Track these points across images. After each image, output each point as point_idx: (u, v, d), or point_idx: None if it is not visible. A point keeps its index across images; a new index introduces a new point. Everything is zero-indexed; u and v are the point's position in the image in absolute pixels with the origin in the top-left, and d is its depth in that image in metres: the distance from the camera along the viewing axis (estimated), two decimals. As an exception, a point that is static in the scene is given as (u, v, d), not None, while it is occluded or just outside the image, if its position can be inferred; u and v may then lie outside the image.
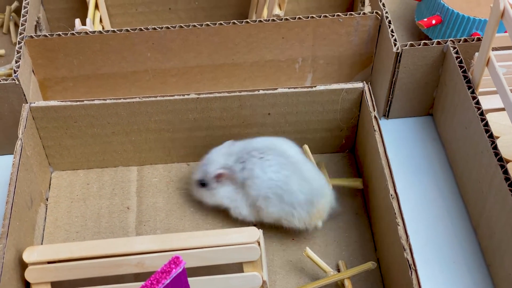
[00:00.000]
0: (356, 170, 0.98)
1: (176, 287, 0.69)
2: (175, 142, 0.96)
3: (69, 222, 0.92)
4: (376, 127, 0.87)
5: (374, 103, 0.89)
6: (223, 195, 0.89)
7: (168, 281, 0.66)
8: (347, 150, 1.00)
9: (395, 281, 0.80)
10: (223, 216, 0.93)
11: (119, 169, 0.98)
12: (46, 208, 0.93)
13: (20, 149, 0.84)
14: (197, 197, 0.92)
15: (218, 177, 0.88)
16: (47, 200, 0.94)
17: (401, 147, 1.02)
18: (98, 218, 0.93)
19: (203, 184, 0.90)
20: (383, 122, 1.05)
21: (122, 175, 0.98)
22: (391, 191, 0.80)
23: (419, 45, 0.95)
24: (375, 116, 0.88)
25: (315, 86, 0.91)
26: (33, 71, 0.99)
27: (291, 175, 0.86)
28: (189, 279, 0.76)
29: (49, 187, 0.96)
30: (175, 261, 0.67)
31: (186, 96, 0.90)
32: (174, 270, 0.67)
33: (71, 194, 0.95)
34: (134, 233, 0.91)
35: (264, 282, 0.82)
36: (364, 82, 0.92)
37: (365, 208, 0.94)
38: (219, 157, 0.89)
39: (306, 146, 0.95)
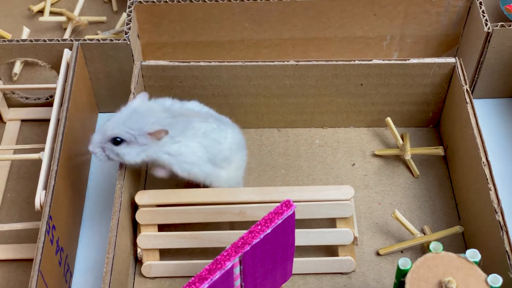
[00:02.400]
0: (440, 144, 1.02)
1: (285, 228, 0.74)
2: (269, 107, 1.01)
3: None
4: (468, 100, 0.91)
5: (466, 77, 0.93)
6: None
7: (280, 221, 0.72)
8: (431, 126, 1.04)
9: (481, 246, 0.84)
10: (314, 178, 0.98)
11: (214, 131, 1.04)
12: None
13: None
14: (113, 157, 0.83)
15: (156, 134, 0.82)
16: (148, 155, 1.01)
17: (483, 127, 1.05)
18: (195, 174, 0.99)
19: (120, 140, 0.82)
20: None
21: (217, 136, 1.03)
22: (483, 159, 0.84)
23: (510, 26, 0.98)
24: (467, 90, 0.92)
25: (408, 59, 0.95)
26: (138, 35, 1.06)
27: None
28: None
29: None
30: (287, 204, 0.73)
31: (285, 63, 0.96)
32: (285, 212, 0.73)
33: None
34: (230, 189, 0.96)
35: (355, 238, 0.87)
36: (457, 57, 0.95)
37: (449, 179, 0.98)
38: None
39: (388, 119, 1.00)
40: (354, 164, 1.00)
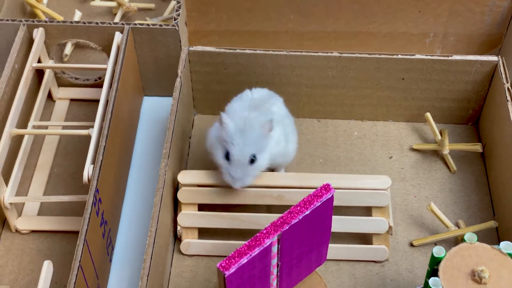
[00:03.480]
0: (479, 141, 1.03)
1: (323, 211, 0.76)
2: (310, 97, 1.03)
3: (207, 160, 1.01)
4: (509, 98, 0.92)
5: (507, 76, 0.94)
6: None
7: (318, 204, 0.74)
8: (471, 123, 1.05)
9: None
10: (351, 168, 1.00)
11: (255, 118, 1.06)
12: (189, 145, 1.03)
13: (179, 86, 0.94)
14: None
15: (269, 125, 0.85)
16: (190, 138, 1.04)
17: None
18: (235, 158, 1.01)
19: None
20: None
21: (257, 124, 1.06)
22: (521, 155, 0.85)
23: (554, 27, 0.99)
24: (508, 88, 0.93)
25: (451, 56, 0.97)
26: (185, 22, 1.09)
27: None
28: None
29: (192, 127, 1.05)
30: (326, 187, 0.75)
31: (329, 54, 0.98)
32: (324, 195, 0.75)
33: (211, 135, 1.04)
34: (268, 174, 0.99)
35: (390, 227, 0.88)
36: (499, 56, 0.96)
37: (486, 176, 0.99)
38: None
39: (428, 114, 1.01)
40: (391, 157, 1.01)
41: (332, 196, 0.75)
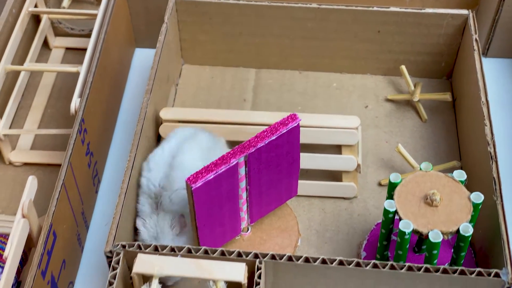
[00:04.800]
0: (452, 94, 1.07)
1: (290, 140, 0.82)
2: (292, 49, 1.09)
3: (194, 104, 1.07)
4: (476, 47, 0.96)
5: (476, 28, 0.99)
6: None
7: (284, 130, 0.80)
8: (445, 77, 1.10)
9: (475, 177, 0.90)
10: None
11: (240, 69, 1.12)
12: (176, 91, 1.09)
13: (165, 31, 1.00)
14: None
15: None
16: (177, 85, 1.10)
17: (498, 85, 1.10)
18: (218, 105, 1.07)
19: None
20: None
21: (242, 74, 1.11)
22: (483, 99, 0.90)
23: (525, -15, 1.03)
24: (476, 39, 0.98)
25: (423, 9, 1.02)
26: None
27: None
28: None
29: (179, 76, 1.11)
30: (292, 117, 0.81)
31: (307, 5, 1.03)
32: (290, 123, 0.80)
33: (197, 83, 1.10)
34: (248, 118, 1.04)
35: (358, 165, 0.94)
36: (470, 10, 1.01)
37: (455, 126, 1.04)
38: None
39: (403, 67, 1.06)
40: (367, 106, 1.07)
41: (298, 125, 0.81)
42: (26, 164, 0.99)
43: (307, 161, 0.94)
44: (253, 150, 0.78)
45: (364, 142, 1.02)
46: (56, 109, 1.06)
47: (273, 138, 0.79)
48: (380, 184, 0.97)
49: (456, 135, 1.03)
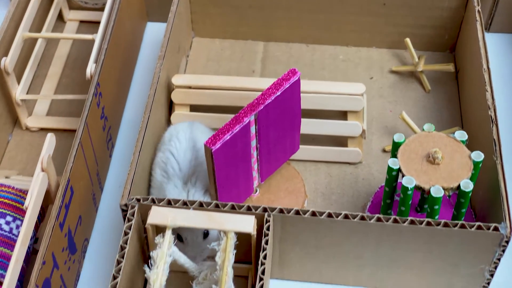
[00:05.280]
0: (455, 67, 1.11)
1: (292, 94, 0.85)
2: (300, 21, 1.12)
3: (204, 74, 1.10)
4: (478, 18, 0.99)
5: (479, 0, 1.02)
6: None
7: (287, 85, 0.83)
8: (448, 51, 1.13)
9: (477, 142, 0.93)
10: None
11: (249, 42, 1.15)
12: (187, 62, 1.12)
13: (177, 1, 1.03)
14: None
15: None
16: (188, 57, 1.13)
17: (499, 60, 1.13)
18: (228, 75, 1.10)
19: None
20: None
21: (250, 47, 1.15)
22: (484, 66, 0.93)
23: (527, -41, 1.06)
24: (478, 10, 1.01)
25: (427, -18, 1.05)
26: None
27: None
28: (302, 120, 0.92)
29: (190, 48, 1.15)
30: (292, 71, 0.84)
31: (315, -22, 1.06)
32: (292, 78, 0.84)
33: (207, 55, 1.14)
34: (257, 88, 1.07)
35: (363, 131, 0.97)
36: (473, -18, 1.04)
37: (458, 96, 1.07)
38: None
39: (407, 39, 1.09)
40: (372, 77, 1.10)
41: (299, 79, 0.84)
42: (42, 129, 1.03)
43: (314, 127, 0.97)
44: (262, 108, 0.81)
45: (369, 111, 1.05)
46: (71, 78, 1.10)
47: (278, 93, 0.82)
48: (384, 151, 1.01)
49: (459, 105, 1.06)
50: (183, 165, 0.87)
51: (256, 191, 0.93)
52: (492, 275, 0.83)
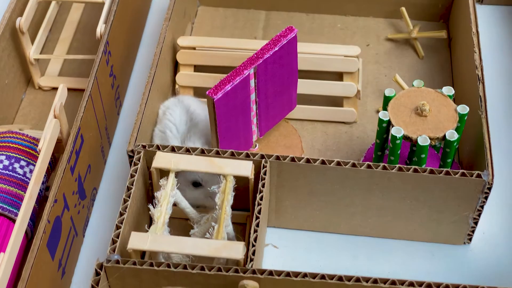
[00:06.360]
0: (447, 35, 1.15)
1: (289, 51, 0.91)
2: (299, -9, 1.17)
3: (208, 41, 1.16)
4: (469, -15, 1.04)
5: (471, -32, 1.07)
6: None
7: (285, 41, 0.88)
8: (442, 20, 1.18)
9: (465, 102, 0.98)
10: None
11: (251, 11, 1.21)
12: (192, 29, 1.17)
13: (183, -32, 1.08)
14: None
15: None
16: (193, 24, 1.18)
17: (492, 31, 1.18)
18: (231, 41, 1.16)
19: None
20: (478, 7, 1.22)
21: (253, 15, 1.20)
22: (474, 30, 0.98)
23: None
24: (470, -22, 1.05)
25: (422, -48, 1.10)
26: None
27: None
28: (300, 80, 0.97)
29: (195, 16, 1.20)
30: (290, 28, 0.89)
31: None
32: (289, 34, 0.89)
33: (212, 23, 1.19)
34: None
35: (358, 91, 1.02)
36: (465, -48, 1.09)
37: (450, 63, 1.12)
38: None
39: (403, 8, 1.14)
40: (368, 44, 1.15)
41: (296, 36, 0.89)
42: (54, 88, 1.09)
43: (311, 87, 1.02)
44: (260, 62, 0.87)
45: (364, 76, 1.10)
46: (81, 42, 1.16)
47: (276, 49, 0.88)
48: (378, 111, 1.06)
49: (450, 71, 1.11)
50: (180, 126, 0.93)
51: (255, 146, 0.99)
52: (476, 223, 0.88)
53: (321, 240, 0.93)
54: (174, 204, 0.84)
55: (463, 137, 0.94)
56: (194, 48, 1.03)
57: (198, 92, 1.05)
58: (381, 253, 0.92)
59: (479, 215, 0.87)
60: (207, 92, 0.85)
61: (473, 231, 0.90)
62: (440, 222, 0.89)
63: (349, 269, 0.90)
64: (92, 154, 0.94)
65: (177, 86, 1.05)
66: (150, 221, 0.87)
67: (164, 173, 0.84)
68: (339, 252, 0.92)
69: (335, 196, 0.88)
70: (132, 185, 0.82)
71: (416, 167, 0.83)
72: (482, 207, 0.86)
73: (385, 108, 0.89)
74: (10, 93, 1.03)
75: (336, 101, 1.05)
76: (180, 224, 0.91)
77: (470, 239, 0.91)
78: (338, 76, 1.04)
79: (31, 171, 0.88)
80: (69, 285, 0.89)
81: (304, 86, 1.02)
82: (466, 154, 0.95)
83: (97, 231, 0.94)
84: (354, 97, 1.03)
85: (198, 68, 1.05)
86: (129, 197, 0.81)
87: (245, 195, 0.86)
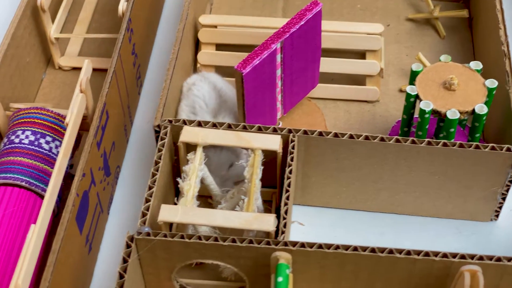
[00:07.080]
0: (469, 13, 1.15)
1: (314, 25, 0.90)
2: (319, -28, 1.17)
3: (227, 21, 1.15)
4: (492, -36, 1.04)
5: None
6: None
7: (310, 15, 0.88)
8: (462, 1, 1.17)
9: (490, 75, 0.97)
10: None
11: (270, -8, 1.20)
12: (211, 10, 1.17)
13: None
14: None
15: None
16: (212, 5, 1.18)
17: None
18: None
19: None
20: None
21: (272, -4, 1.20)
22: (498, 6, 0.98)
23: None
24: (493, -43, 1.05)
25: None
26: None
27: None
28: (322, 59, 0.97)
29: (214, -3, 1.20)
30: (315, 2, 0.89)
31: None
32: (314, 8, 0.88)
33: (230, 3, 1.18)
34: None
35: (381, 70, 1.02)
36: None
37: (472, 43, 1.11)
38: None
39: (426, -10, 1.14)
40: (389, 25, 1.14)
41: (321, 10, 0.89)
42: (74, 68, 1.08)
43: (333, 65, 1.02)
44: (287, 36, 0.86)
45: (386, 56, 1.10)
46: (100, 23, 1.15)
47: (302, 23, 0.87)
48: (400, 90, 1.05)
49: (472, 51, 1.10)
50: (210, 102, 0.92)
51: (279, 124, 0.98)
52: (504, 199, 0.88)
53: (347, 217, 0.92)
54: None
55: (490, 113, 0.93)
56: (215, 27, 1.02)
57: (220, 71, 1.04)
58: (408, 230, 0.91)
59: (507, 190, 0.87)
60: (235, 67, 0.84)
61: (500, 207, 0.90)
62: (468, 199, 0.88)
63: (375, 246, 0.89)
64: (116, 131, 0.93)
65: (198, 65, 1.04)
66: (176, 196, 0.86)
67: (190, 148, 0.84)
68: (366, 229, 0.91)
69: (362, 172, 0.87)
70: (160, 159, 0.82)
71: (445, 141, 0.82)
72: (511, 181, 0.85)
73: (411, 83, 0.88)
74: (31, 72, 1.03)
75: (358, 80, 1.04)
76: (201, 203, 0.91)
77: (497, 216, 0.91)
78: (360, 54, 1.03)
79: (56, 147, 0.88)
80: (95, 262, 0.88)
81: (327, 64, 1.01)
82: (492, 130, 0.95)
83: (122, 209, 0.94)
84: (377, 75, 1.02)
85: (219, 47, 1.04)
86: (157, 170, 0.81)
87: (270, 172, 0.86)
